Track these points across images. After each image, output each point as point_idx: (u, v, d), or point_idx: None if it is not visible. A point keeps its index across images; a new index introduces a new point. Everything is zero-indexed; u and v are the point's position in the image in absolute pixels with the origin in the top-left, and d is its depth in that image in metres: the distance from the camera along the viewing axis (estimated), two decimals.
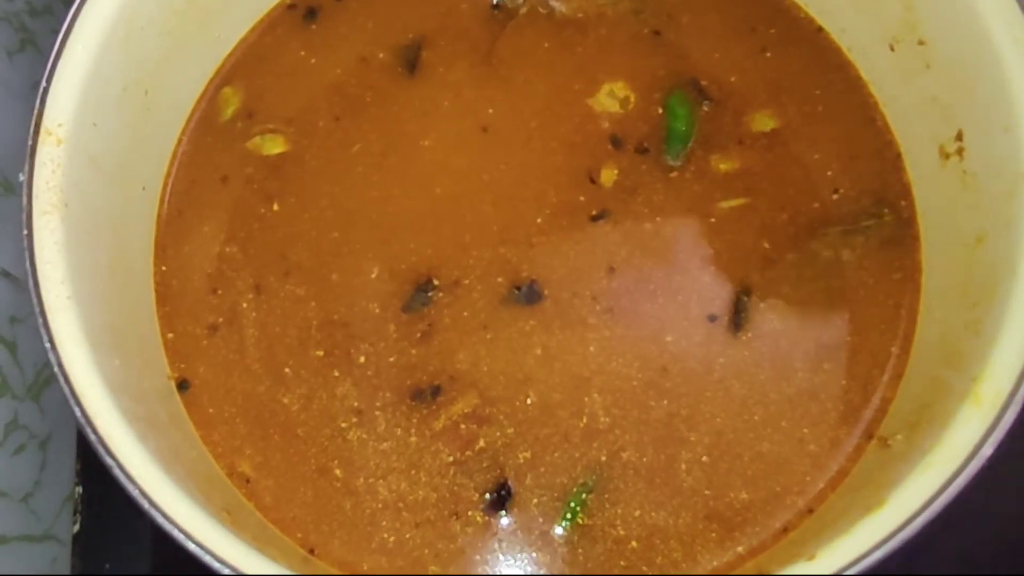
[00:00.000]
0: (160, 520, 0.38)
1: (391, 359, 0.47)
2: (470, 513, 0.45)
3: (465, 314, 0.47)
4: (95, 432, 0.39)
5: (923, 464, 0.37)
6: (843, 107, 0.50)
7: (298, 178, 0.50)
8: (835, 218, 0.48)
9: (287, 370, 0.47)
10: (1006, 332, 0.38)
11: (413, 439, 0.46)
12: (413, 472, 0.45)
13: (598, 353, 0.46)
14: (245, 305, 0.48)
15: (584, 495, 0.45)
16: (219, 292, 0.49)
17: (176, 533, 0.38)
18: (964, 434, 0.37)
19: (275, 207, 0.50)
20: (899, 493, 0.36)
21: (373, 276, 0.48)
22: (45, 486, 0.59)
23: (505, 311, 0.47)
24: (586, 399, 0.46)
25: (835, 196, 0.48)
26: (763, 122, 0.50)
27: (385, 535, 0.45)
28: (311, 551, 0.45)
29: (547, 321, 0.47)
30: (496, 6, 0.53)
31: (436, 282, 0.48)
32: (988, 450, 0.36)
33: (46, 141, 0.43)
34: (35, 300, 0.41)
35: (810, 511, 0.44)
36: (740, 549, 0.43)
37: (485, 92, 0.51)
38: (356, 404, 0.47)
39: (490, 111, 0.50)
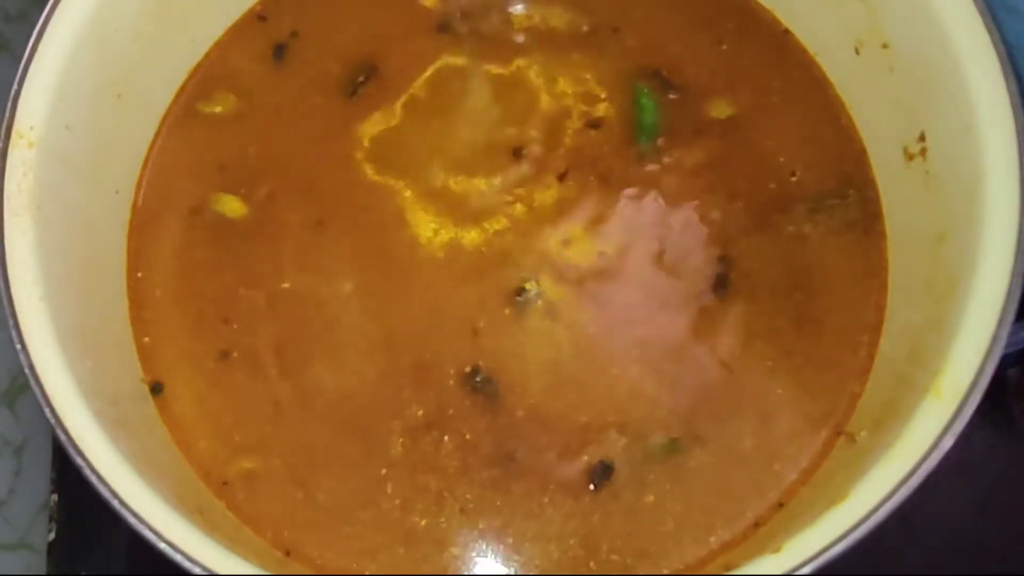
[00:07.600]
0: (131, 520, 0.38)
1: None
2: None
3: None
4: (66, 433, 0.39)
5: (885, 458, 0.37)
6: (806, 103, 0.51)
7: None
8: (798, 197, 0.49)
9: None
10: (966, 327, 0.39)
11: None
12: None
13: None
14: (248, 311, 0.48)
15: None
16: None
17: (147, 533, 0.38)
18: (925, 427, 0.37)
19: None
20: (861, 486, 0.37)
21: None
22: (19, 494, 0.59)
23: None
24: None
25: (793, 179, 0.49)
26: (720, 109, 0.51)
27: (374, 535, 0.45)
28: (287, 552, 0.45)
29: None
30: (442, 29, 0.53)
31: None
32: (948, 442, 0.37)
33: (17, 144, 0.43)
34: (6, 301, 0.41)
35: (781, 505, 0.44)
36: (712, 540, 0.44)
37: (436, 117, 0.51)
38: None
39: (443, 135, 0.51)
